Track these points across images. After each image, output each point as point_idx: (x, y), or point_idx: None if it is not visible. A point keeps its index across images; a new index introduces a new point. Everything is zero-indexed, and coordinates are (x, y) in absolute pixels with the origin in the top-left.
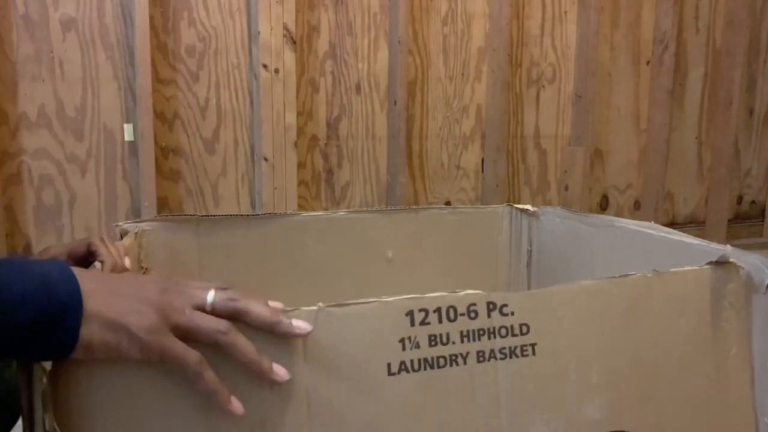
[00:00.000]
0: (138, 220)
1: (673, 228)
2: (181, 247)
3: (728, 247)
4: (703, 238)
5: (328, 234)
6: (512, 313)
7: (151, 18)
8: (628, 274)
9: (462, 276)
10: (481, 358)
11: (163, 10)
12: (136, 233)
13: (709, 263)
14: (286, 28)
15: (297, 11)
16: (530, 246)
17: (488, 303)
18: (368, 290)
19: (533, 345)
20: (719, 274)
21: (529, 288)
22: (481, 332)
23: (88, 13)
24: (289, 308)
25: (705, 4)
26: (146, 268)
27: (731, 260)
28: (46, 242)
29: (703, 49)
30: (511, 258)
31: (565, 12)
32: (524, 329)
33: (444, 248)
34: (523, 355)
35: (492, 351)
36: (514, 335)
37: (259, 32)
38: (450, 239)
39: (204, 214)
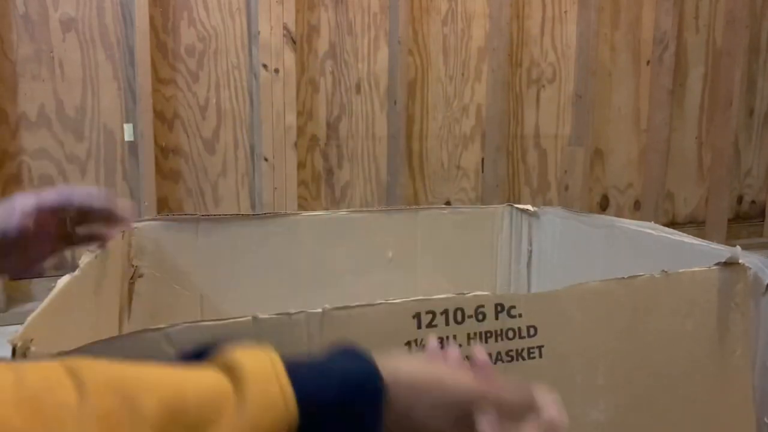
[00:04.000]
0: (138, 219)
1: (673, 228)
2: (181, 247)
3: (737, 248)
4: (703, 238)
5: (328, 234)
6: (520, 315)
7: (151, 18)
8: (637, 275)
9: (462, 276)
10: None
11: (163, 10)
12: (123, 232)
13: (717, 264)
14: (286, 28)
15: (297, 11)
16: (530, 246)
17: (496, 305)
18: (368, 290)
19: (540, 347)
20: (727, 275)
21: (529, 288)
22: (489, 334)
23: (88, 13)
24: (293, 311)
25: (705, 4)
26: (137, 267)
27: (740, 261)
28: None
29: (703, 49)
30: (511, 258)
31: (565, 12)
32: (532, 331)
33: (444, 248)
34: (530, 358)
35: (499, 354)
36: (521, 338)
37: (259, 32)
38: (450, 239)
39: (204, 213)
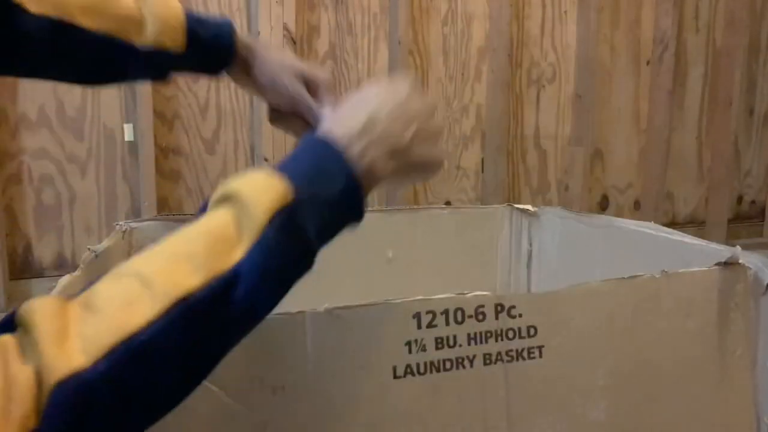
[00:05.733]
0: (138, 219)
1: (673, 228)
2: None
3: (737, 248)
4: (703, 238)
5: None
6: (520, 315)
7: None
8: (637, 275)
9: (462, 276)
10: (488, 361)
11: None
12: (124, 231)
13: (717, 264)
14: (286, 28)
15: (297, 11)
16: (530, 246)
17: (496, 305)
18: (368, 290)
19: (540, 347)
20: (727, 276)
21: (529, 288)
22: (489, 334)
23: None
24: (293, 311)
25: (705, 4)
26: None
27: (740, 261)
28: (46, 242)
29: (703, 49)
30: (511, 258)
31: (565, 12)
32: (532, 331)
33: (444, 248)
34: (530, 358)
35: (499, 353)
36: (521, 337)
37: (259, 32)
38: (450, 239)
39: None
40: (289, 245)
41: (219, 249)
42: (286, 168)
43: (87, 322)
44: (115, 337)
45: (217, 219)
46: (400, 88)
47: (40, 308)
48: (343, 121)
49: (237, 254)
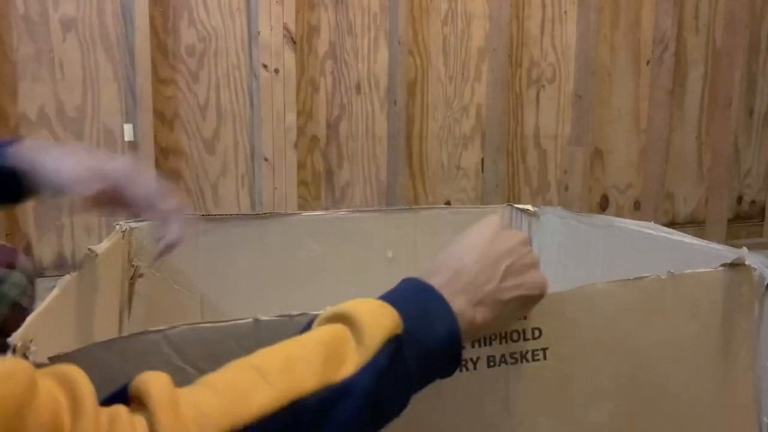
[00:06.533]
0: (138, 219)
1: (673, 228)
2: (181, 247)
3: (744, 250)
4: (703, 238)
5: (328, 234)
6: (525, 317)
7: (151, 18)
8: (642, 276)
9: None
10: (492, 363)
11: (163, 10)
12: (124, 231)
13: (723, 265)
14: (286, 28)
15: (297, 11)
16: (530, 246)
17: None
18: (368, 290)
19: (545, 349)
20: (732, 277)
21: None
22: (493, 336)
23: (88, 14)
24: (294, 313)
25: (705, 4)
26: (137, 267)
27: (746, 263)
28: (46, 242)
29: (703, 49)
30: None
31: (565, 12)
32: (536, 333)
33: (444, 248)
34: (534, 360)
35: (503, 356)
36: (525, 339)
37: (259, 32)
38: (450, 239)
39: (204, 213)
40: (396, 375)
41: (333, 360)
42: (393, 302)
43: (203, 396)
44: (231, 421)
45: (332, 333)
46: (487, 230)
47: (155, 379)
48: (435, 271)
49: (349, 369)
